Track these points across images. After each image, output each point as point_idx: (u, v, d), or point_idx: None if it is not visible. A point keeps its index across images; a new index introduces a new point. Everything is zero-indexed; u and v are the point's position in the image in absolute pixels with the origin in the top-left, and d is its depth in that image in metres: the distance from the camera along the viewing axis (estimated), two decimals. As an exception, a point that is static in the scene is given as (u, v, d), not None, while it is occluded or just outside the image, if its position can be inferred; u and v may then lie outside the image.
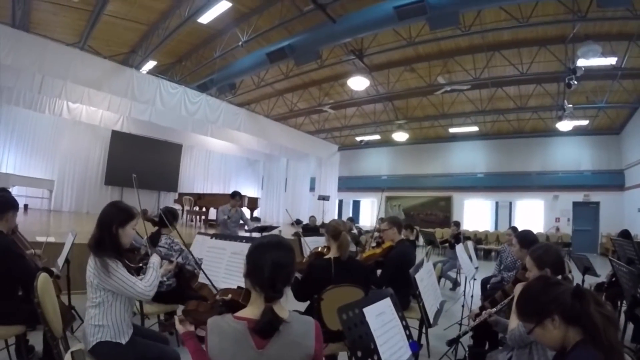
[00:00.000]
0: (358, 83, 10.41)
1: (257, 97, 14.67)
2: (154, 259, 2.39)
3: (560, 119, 10.95)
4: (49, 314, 2.16)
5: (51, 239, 4.38)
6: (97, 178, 13.57)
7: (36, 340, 3.12)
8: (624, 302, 3.66)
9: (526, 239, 3.13)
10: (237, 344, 1.32)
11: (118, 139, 13.58)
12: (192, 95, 10.12)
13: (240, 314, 1.39)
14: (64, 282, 3.70)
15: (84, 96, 9.55)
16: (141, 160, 14.05)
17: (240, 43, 8.87)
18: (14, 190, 9.74)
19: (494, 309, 2.27)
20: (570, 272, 4.14)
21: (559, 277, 2.26)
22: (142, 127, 12.47)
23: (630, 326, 3.63)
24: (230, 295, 1.89)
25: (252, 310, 1.38)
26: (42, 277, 2.20)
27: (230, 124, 11.45)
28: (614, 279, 4.08)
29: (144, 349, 2.24)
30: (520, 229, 4.44)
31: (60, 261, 3.65)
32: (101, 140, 13.53)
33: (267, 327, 1.31)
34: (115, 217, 2.22)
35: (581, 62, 8.41)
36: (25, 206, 10.71)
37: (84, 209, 12.86)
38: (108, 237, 2.17)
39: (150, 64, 10.15)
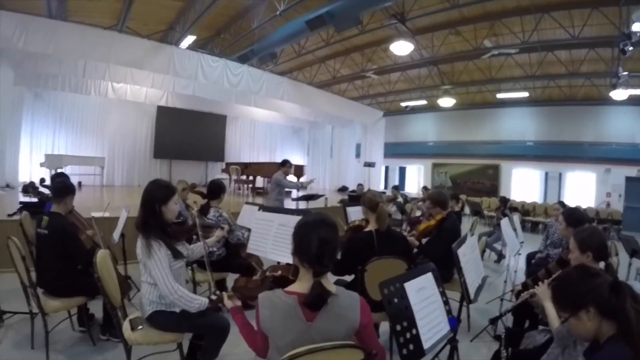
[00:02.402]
0: (401, 48, 10.03)
1: (299, 65, 14.53)
2: (207, 301, 2.22)
3: (614, 87, 10.12)
4: (108, 286, 2.34)
5: (106, 214, 4.67)
6: (146, 152, 14.22)
7: (96, 308, 3.38)
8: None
9: (573, 216, 2.98)
10: (287, 317, 1.40)
11: (163, 113, 14.06)
12: (234, 67, 10.23)
13: (290, 288, 1.46)
14: (120, 254, 3.97)
15: (128, 76, 9.97)
16: (187, 132, 14.56)
17: (277, 12, 8.75)
18: (68, 169, 10.44)
19: (534, 290, 2.21)
20: (617, 254, 3.94)
21: (602, 263, 2.19)
22: (186, 100, 12.86)
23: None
24: (279, 272, 1.99)
25: (301, 285, 1.45)
26: (101, 253, 2.38)
27: (273, 94, 11.52)
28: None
29: (196, 317, 2.33)
30: (569, 202, 4.24)
31: (116, 235, 3.91)
32: (147, 115, 14.05)
33: (316, 300, 1.38)
34: (156, 195, 2.29)
35: (636, 27, 7.60)
36: (79, 184, 11.37)
37: (135, 182, 13.59)
38: (152, 217, 2.25)
39: (190, 39, 10.27)
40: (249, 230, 3.09)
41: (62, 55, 8.24)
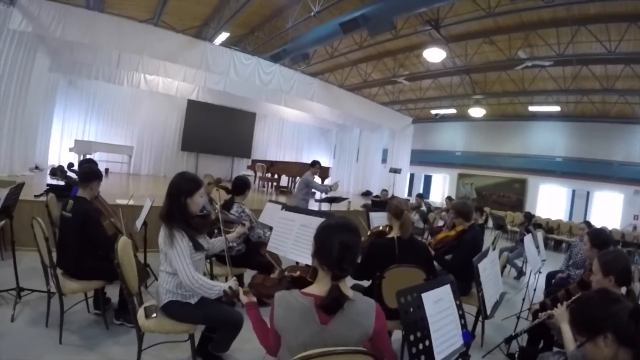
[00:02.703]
0: (434, 54, 9.95)
1: (331, 67, 14.58)
2: (226, 285, 2.28)
3: None
4: (127, 273, 2.38)
5: (131, 202, 4.75)
6: (174, 144, 14.53)
7: (112, 292, 3.45)
8: None
9: (599, 238, 2.92)
10: (302, 318, 1.41)
11: (194, 107, 14.32)
12: (266, 66, 10.33)
13: (307, 290, 1.48)
14: (141, 242, 4.08)
15: (160, 68, 10.20)
16: (216, 127, 14.81)
17: (312, 13, 8.80)
18: (96, 156, 10.77)
19: (553, 311, 2.17)
20: None
21: (623, 288, 2.14)
22: (217, 96, 13.05)
23: None
24: (298, 272, 2.02)
25: (319, 288, 1.46)
26: (122, 240, 2.42)
27: (304, 94, 11.57)
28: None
29: (211, 309, 2.39)
30: (595, 222, 4.11)
31: (139, 223, 3.99)
32: (177, 108, 14.35)
33: (333, 304, 1.39)
34: (183, 187, 2.35)
35: None
36: (106, 170, 11.66)
37: (161, 173, 13.91)
38: (177, 208, 2.31)
39: (223, 36, 10.44)
40: (270, 229, 3.12)
41: (98, 45, 8.49)
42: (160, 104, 13.76)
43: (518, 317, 4.00)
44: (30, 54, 7.61)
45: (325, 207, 7.79)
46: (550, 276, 4.81)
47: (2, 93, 6.94)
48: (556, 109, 13.77)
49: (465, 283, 3.36)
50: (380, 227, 3.40)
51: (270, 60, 10.89)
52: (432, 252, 3.60)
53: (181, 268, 2.22)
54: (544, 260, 4.46)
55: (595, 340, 1.37)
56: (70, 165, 9.94)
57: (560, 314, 2.08)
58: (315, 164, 6.81)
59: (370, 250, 2.85)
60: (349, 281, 1.55)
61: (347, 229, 1.49)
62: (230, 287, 2.16)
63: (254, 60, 10.04)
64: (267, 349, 1.62)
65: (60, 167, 9.34)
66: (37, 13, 6.96)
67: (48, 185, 5.93)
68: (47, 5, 7.10)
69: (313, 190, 6.86)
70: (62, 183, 6.57)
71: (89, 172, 3.22)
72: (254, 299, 1.87)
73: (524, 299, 4.18)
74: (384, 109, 15.26)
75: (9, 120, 7.22)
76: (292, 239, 2.86)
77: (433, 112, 16.93)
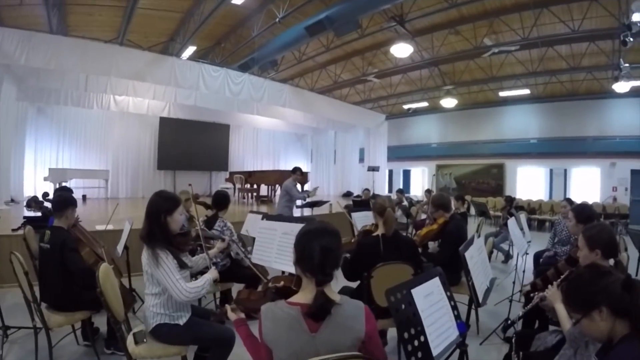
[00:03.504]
0: (401, 50, 10.02)
1: (300, 72, 14.59)
2: (211, 275, 2.40)
3: (616, 79, 10.04)
4: (111, 301, 2.31)
5: (110, 227, 4.67)
6: (150, 164, 14.25)
7: (100, 321, 3.35)
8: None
9: (583, 213, 2.94)
10: (291, 329, 1.37)
11: (166, 124, 14.11)
12: (235, 76, 10.26)
13: (293, 299, 1.44)
14: (124, 266, 3.97)
15: (129, 88, 10.04)
16: (190, 143, 14.60)
17: (277, 19, 8.79)
18: (72, 183, 10.56)
19: (545, 293, 2.17)
20: (626, 249, 3.88)
21: (611, 260, 2.16)
22: (189, 111, 12.90)
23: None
24: (282, 282, 1.97)
25: (305, 295, 1.42)
26: (103, 267, 2.36)
27: (275, 101, 11.53)
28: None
29: (201, 329, 2.36)
30: (575, 198, 4.16)
31: (120, 247, 3.90)
32: (150, 127, 14.10)
33: (320, 310, 1.36)
34: (161, 206, 2.31)
35: (636, 17, 7.52)
36: (84, 197, 11.42)
37: (139, 194, 13.62)
38: (157, 227, 2.26)
39: (190, 50, 10.35)
40: (252, 240, 3.07)
41: (64, 69, 8.32)
42: (132, 125, 13.50)
43: (510, 301, 4.03)
44: None
45: (307, 211, 7.75)
46: (537, 256, 4.87)
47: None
48: (526, 92, 14.11)
49: (455, 274, 3.37)
50: (367, 227, 3.36)
51: (239, 70, 10.83)
52: (419, 250, 3.60)
53: (172, 285, 2.17)
54: (529, 242, 4.52)
55: (590, 316, 1.37)
56: (46, 194, 9.64)
57: (553, 295, 2.08)
58: (296, 170, 6.76)
59: (357, 250, 2.84)
60: (335, 285, 1.50)
61: (326, 233, 1.47)
62: (218, 308, 2.10)
63: (223, 71, 9.96)
64: None
65: (35, 198, 9.05)
66: (0, 42, 6.78)
67: (25, 217, 5.77)
68: (9, 32, 6.94)
69: (302, 195, 6.82)
70: (38, 214, 6.39)
71: (61, 200, 3.13)
72: (242, 315, 1.82)
73: (514, 282, 4.21)
74: (356, 109, 15.37)
75: None
76: (275, 248, 2.82)
77: (405, 107, 17.14)
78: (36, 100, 10.59)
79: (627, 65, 9.51)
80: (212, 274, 2.38)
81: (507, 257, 6.89)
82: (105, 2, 8.51)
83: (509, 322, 2.32)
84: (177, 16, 9.95)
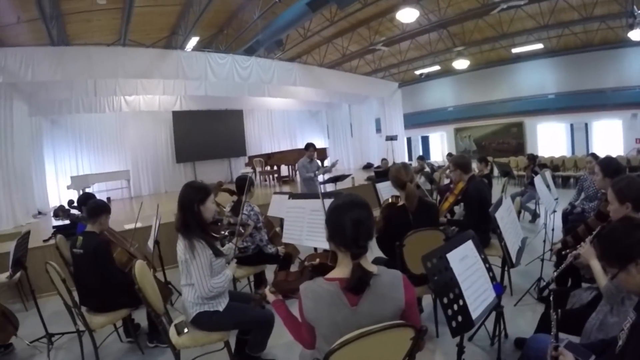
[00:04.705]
0: (407, 15, 9.68)
1: (307, 49, 14.26)
2: (231, 271, 2.49)
3: (631, 27, 9.44)
4: (150, 296, 2.38)
5: (139, 225, 4.80)
6: (168, 158, 14.41)
7: (140, 317, 3.45)
8: None
9: (610, 167, 2.87)
10: (332, 304, 1.38)
11: (180, 118, 14.19)
12: (242, 61, 10.18)
13: (330, 275, 1.45)
14: (157, 261, 4.05)
15: (138, 87, 10.11)
16: (206, 133, 14.66)
17: (277, -1, 8.62)
18: (95, 187, 10.72)
19: (577, 251, 2.13)
20: None
21: None
22: (200, 102, 12.95)
23: None
24: (318, 260, 1.99)
25: (342, 270, 1.43)
26: (138, 264, 2.41)
27: (285, 80, 11.43)
28: None
29: (241, 313, 2.41)
30: (598, 153, 4.04)
31: (151, 243, 3.98)
32: (164, 122, 14.19)
33: (358, 283, 1.36)
34: (194, 196, 2.35)
35: None
36: (108, 199, 11.46)
37: (162, 189, 13.86)
38: (192, 217, 2.31)
39: (194, 41, 10.22)
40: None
41: (71, 79, 8.40)
42: (146, 122, 13.62)
43: (542, 260, 3.98)
44: (7, 103, 7.45)
45: (330, 187, 7.77)
46: (565, 214, 4.78)
47: (-12, 149, 6.81)
48: (539, 46, 13.54)
49: (483, 234, 3.33)
50: (390, 200, 3.36)
51: (245, 54, 10.70)
52: (445, 220, 3.60)
53: (199, 279, 2.24)
54: (556, 199, 4.43)
55: (627, 269, 1.35)
56: (71, 202, 9.83)
57: (587, 251, 2.06)
58: (309, 147, 6.74)
59: (386, 223, 2.84)
60: (371, 256, 1.52)
61: (356, 205, 1.45)
62: (257, 293, 2.15)
63: (229, 58, 9.89)
64: (302, 343, 1.59)
65: (61, 207, 9.20)
66: (4, 62, 6.85)
67: (54, 227, 5.93)
68: (12, 51, 6.99)
69: (314, 172, 6.79)
70: (66, 222, 6.56)
71: (96, 207, 3.17)
72: (280, 296, 1.85)
73: (544, 241, 4.17)
74: (368, 79, 15.07)
75: (1, 173, 7.11)
76: (305, 226, 2.83)
77: (417, 72, 16.70)
78: (48, 113, 10.73)
79: (640, 11, 8.98)
80: (232, 268, 2.46)
81: (535, 216, 6.80)
82: (101, 7, 8.45)
83: (545, 283, 2.31)
84: (176, 9, 9.84)
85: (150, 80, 9.75)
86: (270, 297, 1.84)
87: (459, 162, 3.74)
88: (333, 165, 7.78)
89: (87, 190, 10.28)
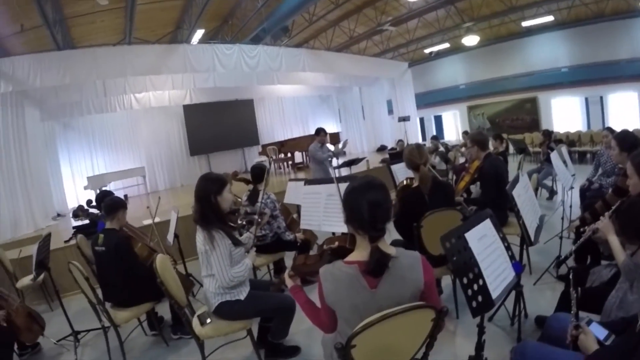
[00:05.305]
0: (413, -8, 9.54)
1: (313, 33, 14.11)
2: (250, 260, 2.54)
3: None
4: (172, 289, 2.43)
5: (157, 220, 4.87)
6: (182, 152, 14.51)
7: (163, 310, 3.53)
8: None
9: (626, 141, 2.80)
10: (351, 287, 1.38)
11: (191, 111, 14.23)
12: (249, 50, 10.10)
13: (349, 258, 1.45)
14: (177, 254, 4.13)
15: (147, 84, 10.16)
16: (217, 124, 14.67)
17: (280, -15, 8.53)
18: (111, 186, 10.86)
19: (597, 225, 2.08)
20: None
21: None
22: (210, 94, 12.99)
23: None
24: (337, 243, 2.00)
25: (360, 253, 1.43)
26: (159, 257, 2.46)
27: (294, 67, 11.35)
28: None
29: (262, 301, 2.45)
30: (614, 126, 3.93)
31: (170, 237, 4.06)
32: (175, 117, 14.26)
33: (377, 266, 1.36)
34: (210, 188, 2.37)
35: None
36: (125, 196, 11.54)
37: (178, 183, 14.00)
38: (209, 208, 2.34)
39: (199, 34, 10.21)
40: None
41: (80, 81, 8.44)
42: (157, 118, 13.70)
43: (560, 237, 3.92)
44: (18, 111, 7.55)
45: (345, 171, 7.75)
46: (583, 190, 4.70)
47: (4, 157, 6.94)
48: (550, 18, 13.11)
49: (501, 212, 3.30)
50: (405, 182, 3.35)
51: (252, 43, 10.64)
52: (462, 199, 3.57)
53: (219, 269, 2.28)
54: (573, 175, 4.35)
55: None
56: (89, 202, 10.05)
57: (605, 226, 2.00)
58: (319, 132, 6.68)
59: (403, 205, 2.84)
60: (389, 238, 1.52)
61: (372, 187, 1.44)
62: (276, 277, 2.18)
63: (236, 48, 9.83)
64: (322, 328, 1.61)
65: (81, 207, 9.48)
66: (12, 71, 6.90)
67: (74, 227, 6.09)
68: (19, 60, 7.04)
69: (326, 155, 6.74)
70: (86, 221, 6.70)
71: (112, 203, 3.23)
72: (298, 282, 1.86)
73: (562, 218, 4.10)
74: (377, 61, 14.86)
75: (19, 179, 7.22)
76: (322, 211, 2.84)
77: (427, 51, 16.39)
78: (60, 117, 10.84)
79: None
80: (252, 257, 2.52)
81: (552, 193, 6.69)
82: (104, 8, 8.47)
83: (563, 257, 2.29)
84: (179, 3, 9.81)
85: (158, 76, 9.78)
86: (289, 282, 1.85)
87: (477, 138, 3.69)
88: (344, 145, 7.70)
89: (103, 188, 10.45)
